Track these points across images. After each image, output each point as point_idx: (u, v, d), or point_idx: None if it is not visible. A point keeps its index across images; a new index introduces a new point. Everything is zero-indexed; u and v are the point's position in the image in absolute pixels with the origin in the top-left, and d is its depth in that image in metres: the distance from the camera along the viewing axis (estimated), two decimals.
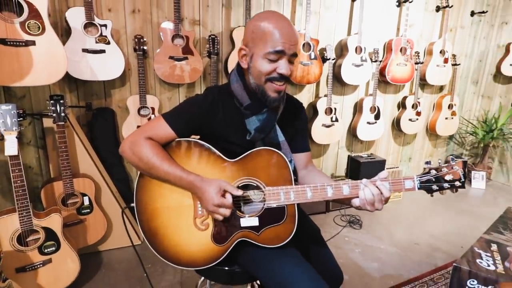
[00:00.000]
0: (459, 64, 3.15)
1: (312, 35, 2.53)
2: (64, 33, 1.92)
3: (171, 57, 2.15)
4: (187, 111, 1.02)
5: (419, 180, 0.91)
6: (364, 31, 2.63)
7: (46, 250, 1.50)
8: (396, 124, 3.15)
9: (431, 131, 3.33)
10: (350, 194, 0.92)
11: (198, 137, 1.06)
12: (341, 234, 2.45)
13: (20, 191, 1.36)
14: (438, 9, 3.03)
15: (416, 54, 2.92)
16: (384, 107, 2.96)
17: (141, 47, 2.08)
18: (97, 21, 1.91)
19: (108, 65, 1.97)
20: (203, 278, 1.15)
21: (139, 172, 1.01)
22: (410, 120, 3.08)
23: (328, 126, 2.73)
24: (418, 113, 3.08)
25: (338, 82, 2.77)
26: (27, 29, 1.41)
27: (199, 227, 0.98)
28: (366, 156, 2.96)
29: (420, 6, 2.96)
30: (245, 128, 1.03)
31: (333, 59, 2.58)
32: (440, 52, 3.01)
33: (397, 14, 2.88)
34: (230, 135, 1.02)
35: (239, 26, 2.32)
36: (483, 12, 3.21)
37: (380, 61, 2.81)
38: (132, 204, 1.03)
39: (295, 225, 0.94)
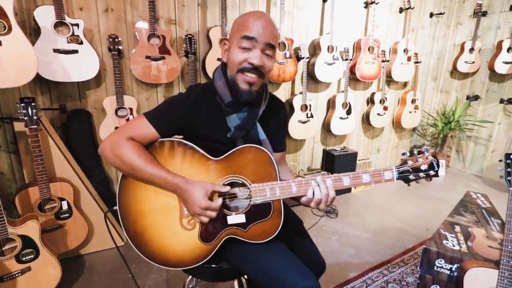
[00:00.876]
0: (420, 62, 3.29)
1: (287, 35, 2.53)
2: (33, 32, 1.79)
3: (147, 57, 2.06)
4: (169, 110, 0.97)
5: (397, 171, 0.93)
6: (335, 31, 2.67)
7: (24, 259, 1.39)
8: (366, 119, 3.25)
9: (396, 124, 3.47)
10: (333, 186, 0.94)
11: (182, 136, 1.01)
12: (319, 223, 2.49)
13: None
14: (401, 10, 3.14)
15: (383, 53, 3.01)
16: (354, 102, 3.03)
17: (116, 46, 1.99)
18: (68, 20, 1.79)
19: (82, 66, 1.86)
20: (190, 276, 1.12)
21: (121, 174, 0.96)
22: (378, 114, 3.19)
23: (304, 122, 2.76)
24: (385, 108, 3.19)
25: (312, 79, 2.79)
26: None
27: (185, 227, 0.95)
28: (340, 149, 3.03)
29: (385, 7, 3.05)
30: (225, 125, 1.00)
31: (307, 58, 2.60)
32: (404, 50, 3.13)
33: (365, 15, 2.95)
34: (213, 133, 0.99)
35: (216, 26, 2.27)
36: (441, 13, 3.37)
37: (350, 60, 2.87)
38: (115, 207, 0.97)
39: (281, 220, 0.94)
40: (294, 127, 2.73)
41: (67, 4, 1.86)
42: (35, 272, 1.43)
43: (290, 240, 1.13)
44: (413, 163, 0.93)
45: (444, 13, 3.38)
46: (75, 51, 1.83)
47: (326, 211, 2.66)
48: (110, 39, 1.97)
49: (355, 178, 0.92)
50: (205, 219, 0.91)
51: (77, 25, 1.82)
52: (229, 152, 0.95)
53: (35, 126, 1.54)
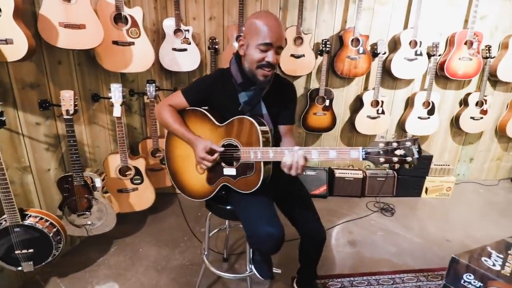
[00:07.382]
0: None
1: (363, 31, 2.38)
2: (162, 37, 2.37)
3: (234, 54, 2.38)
4: (197, 85, 1.22)
5: (364, 151, 0.88)
6: (422, 25, 2.32)
7: (135, 182, 1.98)
8: (454, 122, 2.67)
9: (500, 133, 2.69)
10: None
11: (207, 107, 1.24)
12: (368, 217, 2.33)
13: (121, 140, 1.84)
14: None
15: (486, 48, 2.38)
16: (441, 102, 2.55)
17: (214, 46, 2.38)
18: (182, 27, 2.29)
19: (189, 60, 2.33)
20: (210, 213, 1.38)
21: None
22: (472, 118, 2.57)
23: (373, 118, 2.55)
24: (484, 112, 2.53)
25: (388, 76, 2.52)
26: (130, 34, 1.86)
27: (198, 171, 1.21)
28: None
29: None
30: (238, 101, 1.16)
31: (383, 53, 2.37)
32: None
33: (466, 6, 2.39)
34: (227, 106, 1.18)
35: (292, 26, 2.38)
36: None
37: (439, 55, 2.42)
38: None
39: (260, 178, 1.06)
40: (362, 122, 2.56)
41: (186, 15, 2.37)
42: (140, 192, 2.01)
43: (291, 209, 1.23)
44: (384, 146, 0.85)
45: None
46: (185, 50, 2.32)
47: (381, 208, 2.43)
48: (210, 40, 2.38)
49: (322, 153, 0.93)
50: (203, 166, 1.14)
51: (188, 30, 2.30)
52: (229, 120, 1.13)
53: (154, 99, 2.12)
